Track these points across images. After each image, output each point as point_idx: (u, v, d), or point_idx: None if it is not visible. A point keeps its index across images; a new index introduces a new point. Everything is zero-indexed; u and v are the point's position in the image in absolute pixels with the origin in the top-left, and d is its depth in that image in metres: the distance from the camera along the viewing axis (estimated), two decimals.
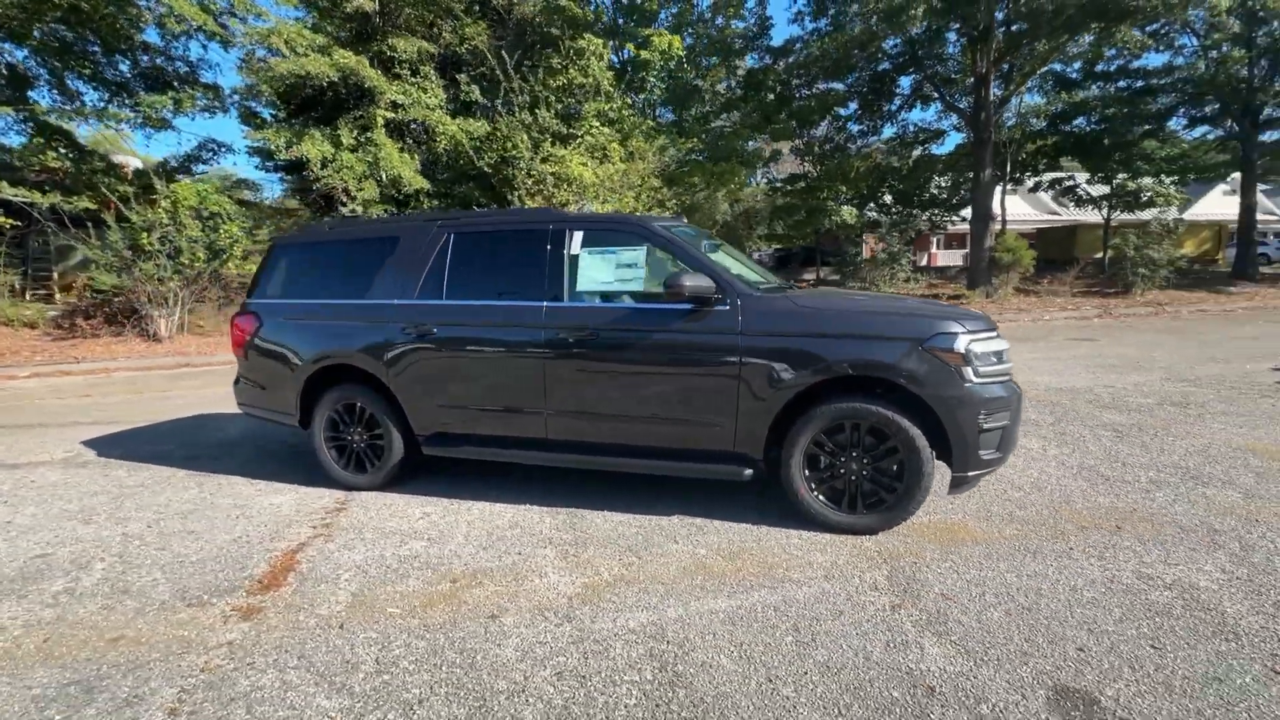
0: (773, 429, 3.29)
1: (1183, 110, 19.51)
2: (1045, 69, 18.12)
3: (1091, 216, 25.42)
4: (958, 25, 16.39)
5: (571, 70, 14.01)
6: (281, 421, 4.49)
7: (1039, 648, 2.27)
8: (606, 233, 3.74)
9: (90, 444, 5.52)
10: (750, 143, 18.91)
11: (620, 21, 16.78)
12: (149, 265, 11.46)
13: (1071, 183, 23.12)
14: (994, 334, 3.23)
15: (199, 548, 3.36)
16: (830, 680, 2.14)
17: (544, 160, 13.12)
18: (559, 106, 14.14)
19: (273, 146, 12.82)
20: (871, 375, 3.13)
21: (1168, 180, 20.58)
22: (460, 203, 14.67)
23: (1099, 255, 22.98)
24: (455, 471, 4.44)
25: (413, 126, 14.51)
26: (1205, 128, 19.93)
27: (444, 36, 14.32)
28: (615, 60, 15.24)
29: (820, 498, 3.27)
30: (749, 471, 3.34)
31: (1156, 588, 2.66)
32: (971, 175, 18.52)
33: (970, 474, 3.11)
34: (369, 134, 12.95)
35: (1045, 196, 27.08)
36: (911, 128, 21.32)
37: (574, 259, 3.68)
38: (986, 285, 17.57)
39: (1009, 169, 21.77)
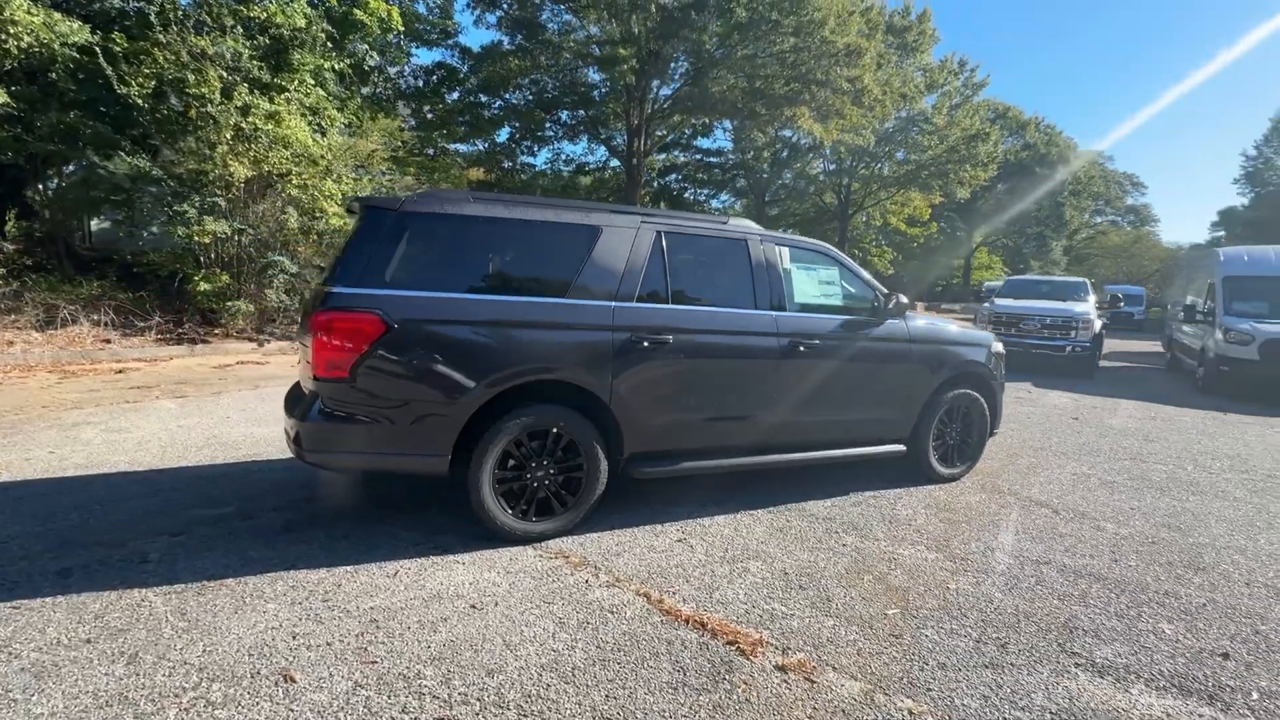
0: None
1: (732, 188, 28.10)
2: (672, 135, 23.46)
3: None
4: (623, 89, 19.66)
5: (271, 3, 10.94)
6: (412, 469, 3.18)
7: None
8: (805, 252, 4.21)
9: None
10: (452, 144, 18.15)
11: None
12: None
13: None
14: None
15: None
16: None
17: (247, 114, 10.00)
18: (255, 44, 10.85)
19: None
20: (971, 372, 4.67)
21: None
22: (90, 141, 9.86)
23: None
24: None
25: None
26: (739, 199, 29.14)
27: None
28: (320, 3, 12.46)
29: (939, 455, 4.65)
30: (904, 448, 4.46)
31: None
32: None
33: (996, 431, 5.00)
34: None
35: None
36: (566, 156, 24.13)
37: (787, 272, 4.03)
38: None
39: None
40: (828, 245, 4.39)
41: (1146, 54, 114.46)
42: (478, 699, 2.12)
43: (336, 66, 12.30)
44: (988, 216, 43.55)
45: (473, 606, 2.71)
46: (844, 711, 2.13)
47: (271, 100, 10.67)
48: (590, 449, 3.40)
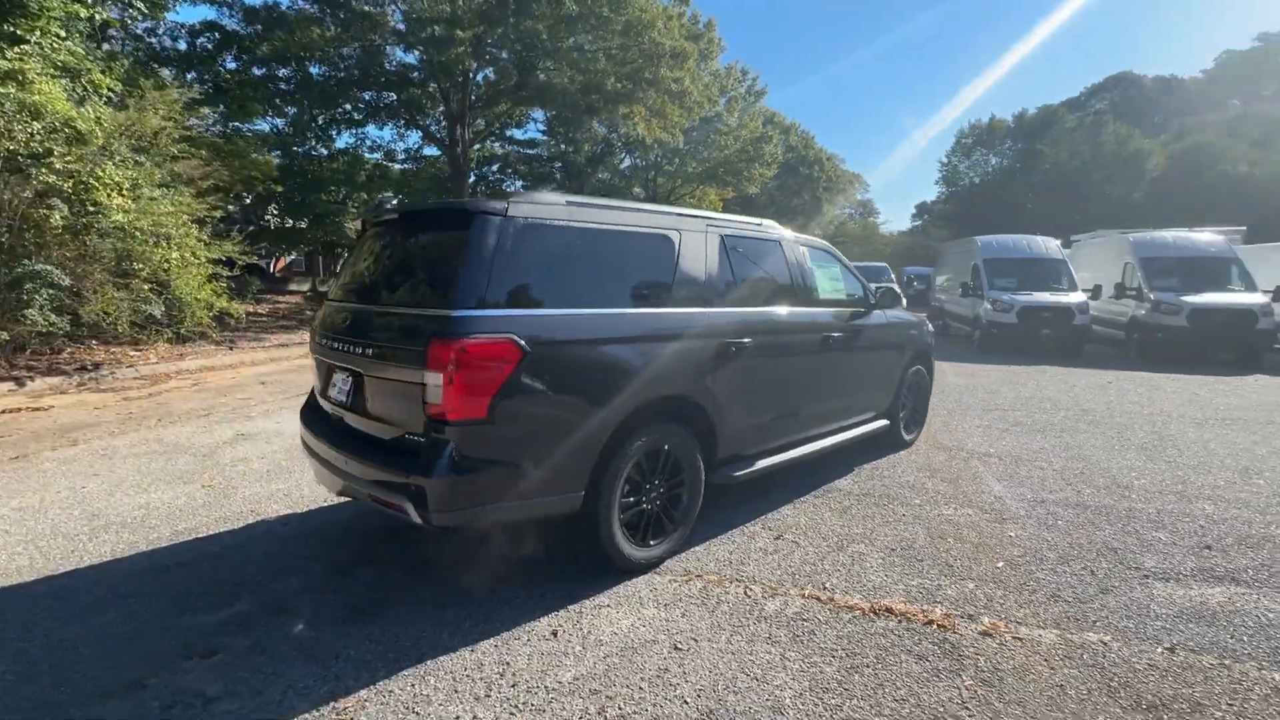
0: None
1: (553, 181, 27.86)
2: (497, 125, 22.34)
3: None
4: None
5: None
6: (550, 512, 2.77)
7: None
8: (816, 250, 4.49)
9: None
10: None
11: None
12: None
13: None
14: None
15: None
16: None
17: None
18: None
19: None
20: (923, 351, 5.44)
21: None
22: None
23: None
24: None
25: None
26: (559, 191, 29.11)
27: None
28: None
29: (904, 424, 5.35)
30: (888, 422, 5.06)
31: None
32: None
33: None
34: None
35: None
36: (373, 141, 21.61)
37: (810, 271, 4.29)
38: None
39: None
40: (828, 244, 4.76)
41: (869, 76, 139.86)
42: None
43: (97, 16, 9.48)
44: (764, 209, 49.54)
45: (675, 648, 2.50)
46: (1064, 656, 2.45)
47: (3, 54, 7.89)
48: (693, 461, 3.30)
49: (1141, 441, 5.70)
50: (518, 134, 26.88)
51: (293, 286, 19.77)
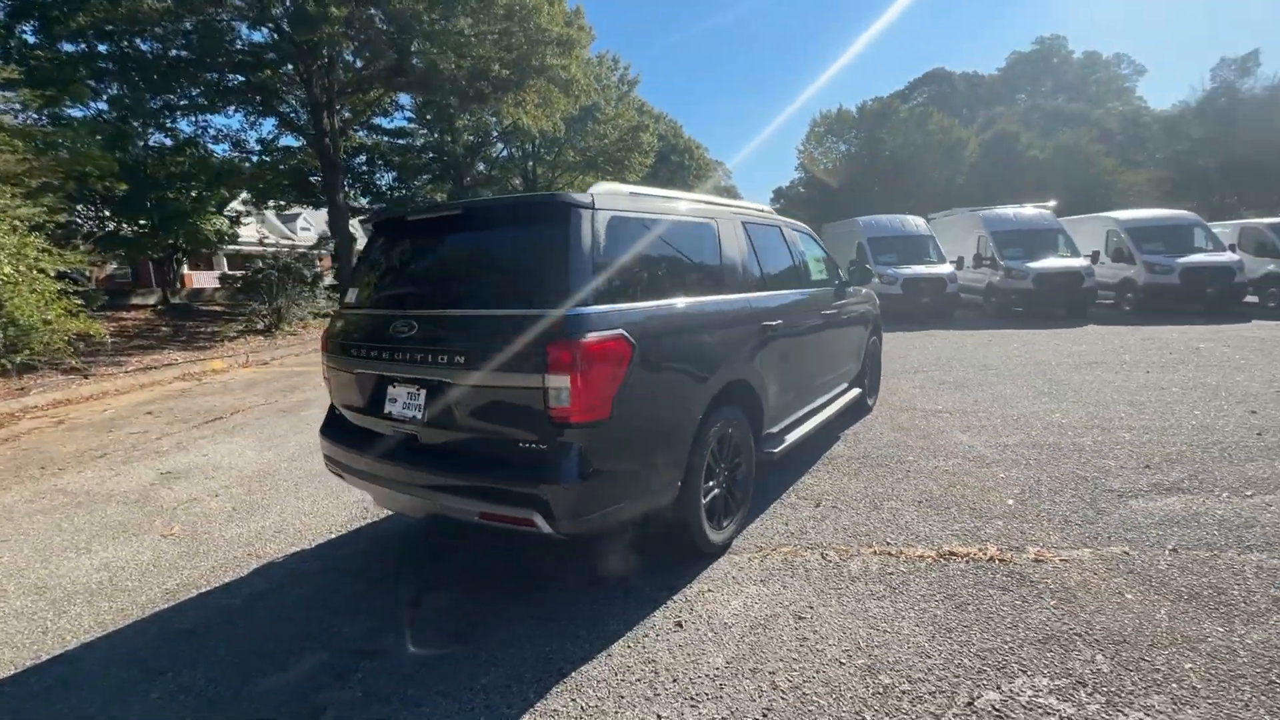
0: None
1: (428, 173, 26.24)
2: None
3: None
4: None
5: None
6: (652, 508, 2.74)
7: None
8: (802, 234, 4.74)
9: None
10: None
11: None
12: None
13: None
14: None
15: None
16: None
17: None
18: None
19: None
20: (879, 324, 5.96)
21: None
22: None
23: None
24: None
25: None
26: (436, 184, 27.49)
27: None
28: None
29: (867, 391, 5.86)
30: (860, 390, 5.51)
31: None
32: (326, 200, 18.93)
33: None
34: None
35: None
36: (217, 130, 18.97)
37: (803, 252, 4.55)
38: None
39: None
40: (808, 227, 5.05)
41: (724, 64, 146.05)
42: (951, 676, 2.22)
43: None
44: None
45: (798, 617, 2.63)
46: (1106, 568, 2.90)
47: None
48: (748, 442, 3.42)
49: (1044, 388, 6.69)
50: (384, 123, 25.06)
51: (137, 300, 16.97)
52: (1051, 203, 18.05)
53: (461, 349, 2.49)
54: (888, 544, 3.25)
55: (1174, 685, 2.13)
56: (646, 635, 2.56)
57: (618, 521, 2.58)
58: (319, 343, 3.32)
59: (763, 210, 4.33)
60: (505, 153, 31.69)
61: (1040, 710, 2.04)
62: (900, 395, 6.62)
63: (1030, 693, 2.12)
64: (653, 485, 2.67)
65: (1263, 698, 2.06)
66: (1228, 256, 12.63)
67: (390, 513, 4.00)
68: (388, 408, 2.77)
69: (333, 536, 3.70)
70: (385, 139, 24.30)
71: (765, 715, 2.08)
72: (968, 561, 3.04)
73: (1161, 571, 2.86)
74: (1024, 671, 2.23)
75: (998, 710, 2.05)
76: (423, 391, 2.65)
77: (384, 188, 25.41)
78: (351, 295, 3.14)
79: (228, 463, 5.32)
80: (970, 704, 2.08)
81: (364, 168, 25.17)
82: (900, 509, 3.69)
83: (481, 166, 28.14)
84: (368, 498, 4.21)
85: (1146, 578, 2.81)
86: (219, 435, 6.27)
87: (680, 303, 2.91)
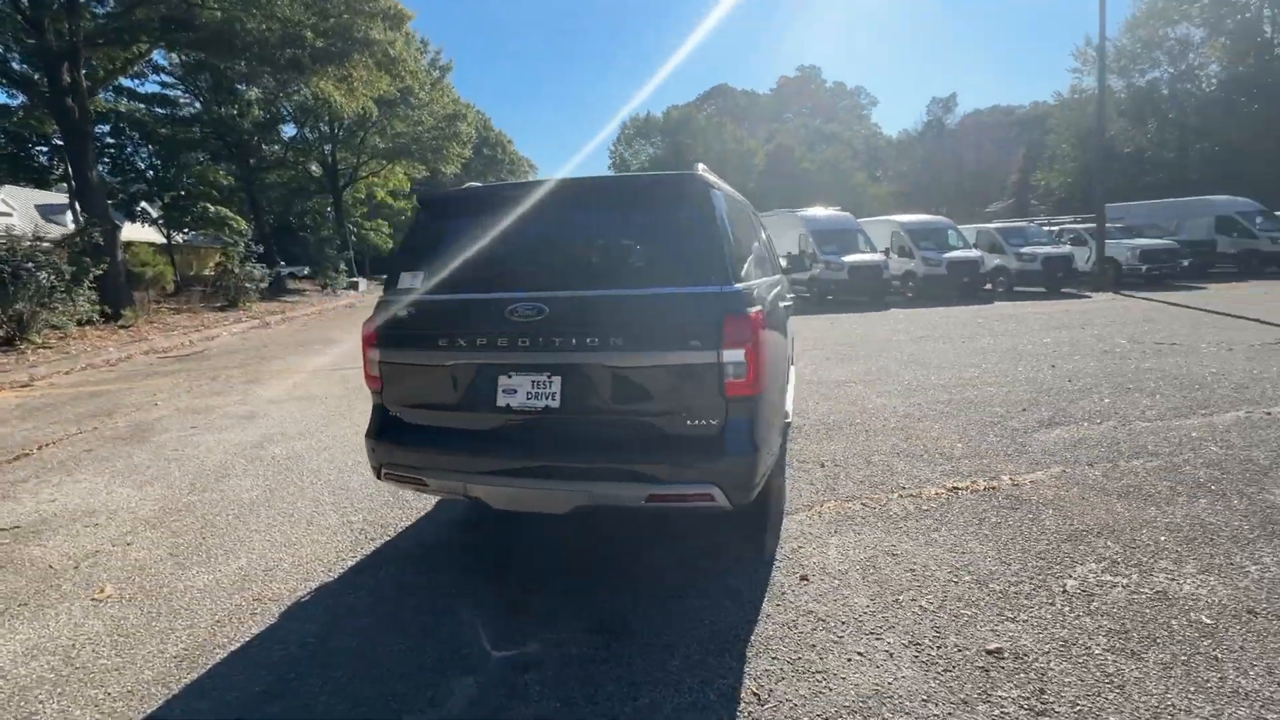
0: None
1: (203, 150, 22.00)
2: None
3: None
4: None
5: None
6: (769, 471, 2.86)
7: None
8: (765, 220, 5.13)
9: None
10: None
11: None
12: None
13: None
14: None
15: None
16: None
17: None
18: None
19: None
20: (791, 306, 6.65)
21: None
22: None
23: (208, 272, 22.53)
24: None
25: None
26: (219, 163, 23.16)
27: None
28: None
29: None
30: (795, 365, 6.14)
31: None
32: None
33: None
34: None
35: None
36: None
37: (771, 239, 4.97)
38: (130, 305, 15.29)
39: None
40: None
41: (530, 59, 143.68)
42: (1033, 574, 2.76)
43: None
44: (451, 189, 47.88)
45: (892, 554, 3.01)
46: (1062, 484, 3.75)
47: None
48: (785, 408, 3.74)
49: (906, 359, 8.05)
50: (133, 85, 20.40)
51: None
52: (837, 207, 21.37)
53: (618, 330, 2.39)
54: (904, 490, 3.80)
55: (1163, 550, 2.92)
56: (784, 593, 2.72)
57: (763, 487, 2.70)
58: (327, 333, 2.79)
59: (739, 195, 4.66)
60: (298, 134, 27.96)
61: (1107, 585, 2.66)
62: (813, 369, 7.48)
63: (1092, 575, 2.75)
64: (775, 449, 2.82)
65: (1206, 549, 2.92)
66: (975, 253, 16.22)
67: (406, 525, 3.55)
68: (503, 400, 2.51)
69: (351, 563, 3.18)
70: (147, 108, 19.83)
71: (938, 630, 2.40)
72: (971, 493, 3.70)
73: (1097, 481, 3.80)
74: (1077, 562, 2.87)
75: (1085, 589, 2.63)
76: (556, 378, 2.47)
77: (142, 166, 20.77)
78: (412, 280, 2.75)
79: (103, 505, 4.15)
80: (1064, 591, 2.63)
81: (110, 142, 20.32)
82: (889, 461, 4.30)
83: (275, 148, 24.45)
84: (356, 519, 3.68)
85: (1091, 487, 3.71)
86: (47, 474, 4.82)
87: (763, 280, 3.10)
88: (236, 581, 3.06)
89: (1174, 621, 2.40)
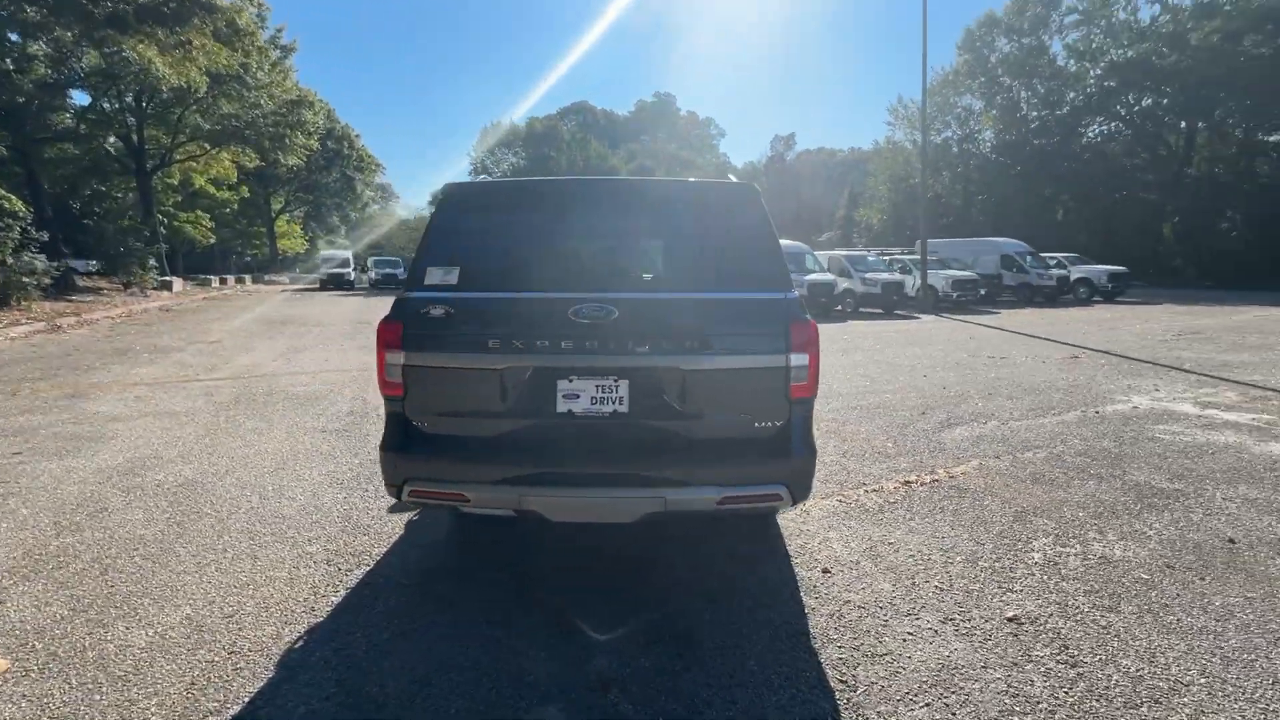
0: None
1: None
2: None
3: None
4: None
5: None
6: None
7: None
8: None
9: None
10: None
11: None
12: None
13: None
14: None
15: None
16: None
17: None
18: None
19: None
20: None
21: None
22: None
23: None
24: None
25: None
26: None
27: None
28: None
29: None
30: None
31: None
32: None
33: None
34: None
35: None
36: None
37: None
38: None
39: None
40: None
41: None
42: (1009, 551, 3.19)
43: None
44: (286, 183, 43.09)
45: (887, 543, 3.29)
46: (985, 473, 4.35)
47: None
48: None
49: (825, 368, 8.76)
50: None
51: None
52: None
53: (690, 334, 2.37)
54: (865, 484, 4.17)
55: (1086, 523, 3.53)
56: (815, 586, 2.86)
57: None
58: (376, 335, 2.37)
59: None
60: (93, 103, 23.45)
61: (1064, 555, 3.16)
62: None
63: (1049, 548, 3.24)
64: None
65: (1114, 520, 3.59)
66: (830, 276, 18.20)
67: (381, 552, 3.15)
68: (563, 405, 2.36)
69: (336, 599, 2.76)
70: None
71: (961, 606, 2.68)
72: (921, 485, 4.16)
73: (1010, 469, 4.46)
74: (1031, 538, 3.36)
75: (1049, 560, 3.09)
76: (623, 382, 2.38)
77: None
78: (441, 275, 2.48)
79: (32, 544, 3.16)
80: (1036, 563, 3.08)
81: None
82: (841, 461, 4.67)
83: (65, 116, 20.24)
84: (314, 549, 3.21)
85: (1008, 475, 4.36)
86: None
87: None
88: (192, 634, 2.51)
89: (1124, 579, 2.93)
